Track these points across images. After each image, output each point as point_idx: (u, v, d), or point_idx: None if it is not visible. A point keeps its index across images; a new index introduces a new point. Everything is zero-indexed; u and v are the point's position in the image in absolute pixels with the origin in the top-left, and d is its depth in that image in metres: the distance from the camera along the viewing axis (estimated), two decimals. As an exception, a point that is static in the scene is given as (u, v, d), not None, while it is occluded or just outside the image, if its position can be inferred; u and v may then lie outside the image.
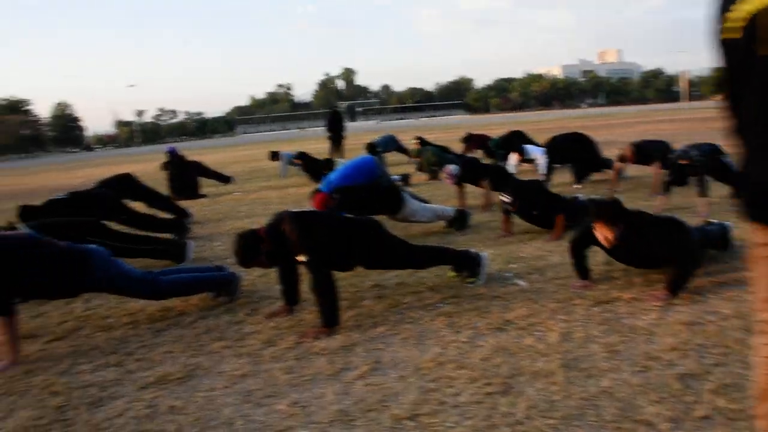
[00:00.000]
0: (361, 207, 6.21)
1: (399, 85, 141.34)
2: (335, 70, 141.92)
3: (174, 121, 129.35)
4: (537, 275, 4.80)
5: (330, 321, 3.87)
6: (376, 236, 4.38)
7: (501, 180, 7.46)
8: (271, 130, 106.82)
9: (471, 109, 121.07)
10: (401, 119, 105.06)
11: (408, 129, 40.83)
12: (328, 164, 13.03)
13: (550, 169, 9.47)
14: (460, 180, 8.00)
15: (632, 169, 9.43)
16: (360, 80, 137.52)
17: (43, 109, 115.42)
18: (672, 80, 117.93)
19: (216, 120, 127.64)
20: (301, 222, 4.01)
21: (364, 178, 7.51)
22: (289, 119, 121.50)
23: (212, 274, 4.82)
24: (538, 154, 10.55)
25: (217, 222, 8.83)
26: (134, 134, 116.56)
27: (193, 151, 35.47)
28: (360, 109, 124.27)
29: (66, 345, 4.07)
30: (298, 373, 3.31)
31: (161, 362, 3.60)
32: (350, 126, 24.92)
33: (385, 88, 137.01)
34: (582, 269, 4.44)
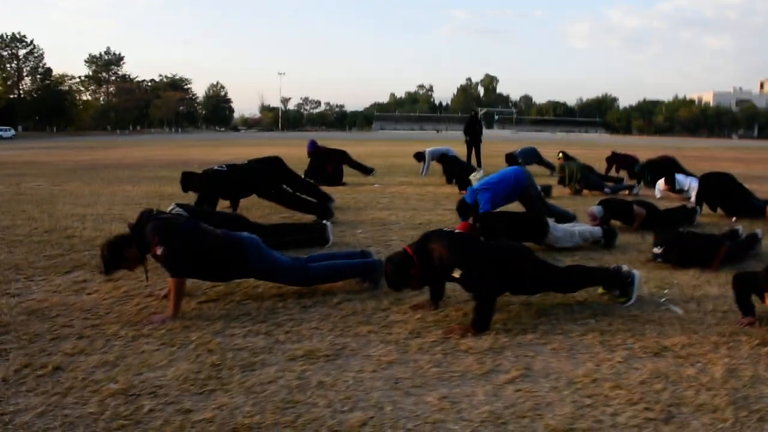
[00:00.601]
0: (504, 236, 6.03)
1: (540, 97, 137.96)
2: (477, 76, 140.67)
3: (316, 111, 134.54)
4: (693, 304, 4.45)
5: (481, 326, 3.76)
6: (526, 262, 4.21)
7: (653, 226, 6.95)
8: (409, 129, 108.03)
9: (611, 128, 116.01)
10: (539, 131, 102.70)
11: (545, 142, 39.71)
12: (468, 169, 12.93)
13: (701, 203, 8.66)
14: (604, 222, 7.42)
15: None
16: (501, 88, 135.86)
17: (199, 88, 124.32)
18: None
19: (355, 114, 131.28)
20: (451, 240, 3.96)
21: (512, 189, 7.30)
22: (426, 120, 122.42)
23: (358, 261, 4.85)
24: (691, 184, 9.85)
25: (358, 210, 8.97)
26: (278, 120, 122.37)
27: (333, 141, 36.58)
28: (497, 117, 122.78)
29: (218, 308, 4.24)
30: (447, 368, 3.23)
31: (309, 337, 3.65)
32: (486, 133, 24.60)
33: (525, 98, 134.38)
34: (746, 305, 4.06)
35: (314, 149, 13.46)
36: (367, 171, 14.25)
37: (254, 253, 4.35)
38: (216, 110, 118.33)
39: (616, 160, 14.55)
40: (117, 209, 9.09)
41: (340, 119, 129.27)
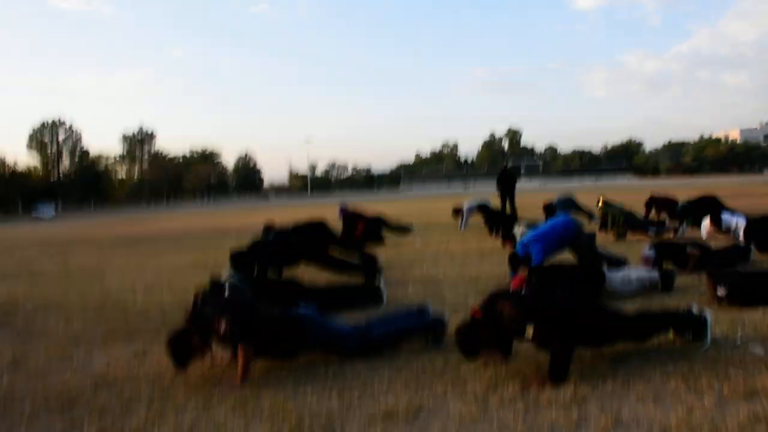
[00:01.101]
0: (561, 289, 5.91)
1: (565, 146, 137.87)
2: (500, 130, 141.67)
3: (344, 175, 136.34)
4: None
5: (559, 376, 3.61)
6: (595, 312, 4.07)
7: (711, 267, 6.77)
8: (435, 187, 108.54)
9: (639, 172, 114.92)
10: (566, 182, 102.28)
11: (577, 190, 39.39)
12: (510, 219, 12.86)
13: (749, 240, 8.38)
14: (656, 264, 7.26)
15: None
16: (525, 140, 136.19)
17: (229, 157, 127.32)
18: None
19: (382, 175, 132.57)
20: (519, 299, 3.90)
21: (562, 239, 7.18)
22: (453, 177, 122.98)
23: (418, 322, 4.74)
24: (738, 222, 9.57)
25: (404, 268, 8.87)
26: (306, 186, 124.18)
27: (363, 203, 36.78)
28: (523, 170, 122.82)
29: (285, 370, 4.15)
30: (532, 422, 3.09)
31: (383, 398, 3.53)
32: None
33: (551, 149, 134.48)
34: None
35: (344, 213, 13.53)
36: (405, 230, 14.20)
37: (313, 327, 4.30)
38: (246, 179, 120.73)
39: (655, 202, 14.27)
40: (164, 278, 9.15)
41: (367, 181, 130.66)
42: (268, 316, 4.27)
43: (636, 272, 6.48)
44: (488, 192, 19.09)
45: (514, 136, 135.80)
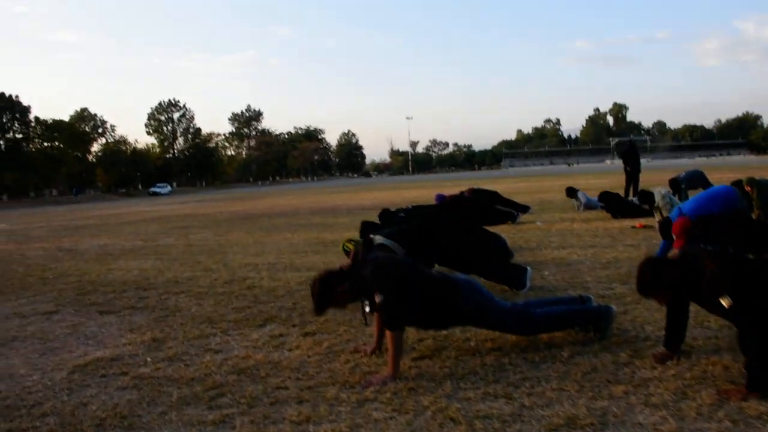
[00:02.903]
0: (726, 242, 5.23)
1: (674, 122, 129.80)
2: (605, 105, 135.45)
3: (444, 152, 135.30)
4: None
5: (761, 386, 3.01)
6: None
7: None
8: (539, 165, 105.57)
9: (756, 148, 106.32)
10: (676, 158, 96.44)
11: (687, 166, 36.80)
12: (628, 205, 12.04)
13: None
14: None
15: None
16: (631, 116, 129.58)
17: (331, 137, 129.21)
18: None
19: (483, 153, 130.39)
20: (726, 259, 3.27)
21: (721, 207, 6.44)
22: (556, 154, 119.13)
23: (586, 307, 4.26)
24: None
25: (532, 250, 8.34)
26: (408, 163, 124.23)
27: (466, 181, 36.20)
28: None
29: (438, 365, 3.79)
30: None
31: (557, 401, 3.09)
32: (619, 164, 22.97)
33: (659, 124, 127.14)
34: None
35: (441, 202, 12.91)
36: (524, 209, 13.56)
37: (472, 295, 3.89)
38: (348, 157, 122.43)
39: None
40: (286, 258, 9.09)
41: (468, 159, 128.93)
42: (428, 276, 3.90)
43: None
44: (595, 168, 18.02)
45: (619, 111, 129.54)
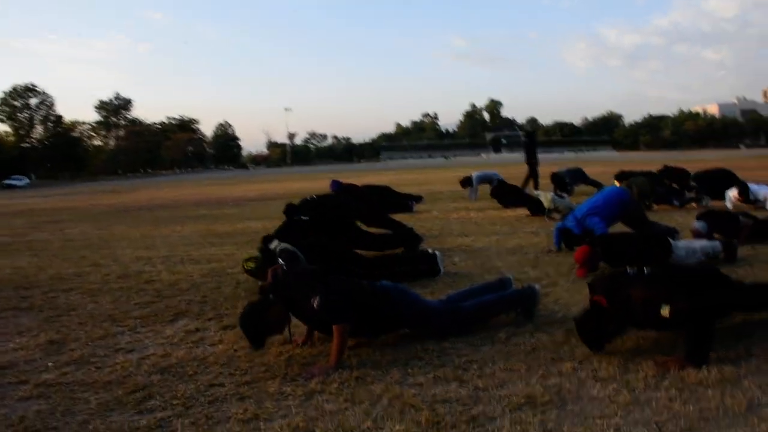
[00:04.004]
0: (628, 259, 5.48)
1: (545, 118, 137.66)
2: (481, 101, 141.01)
3: (323, 144, 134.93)
4: None
5: (701, 359, 3.17)
6: (719, 281, 3.66)
7: None
8: (417, 158, 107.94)
9: (619, 145, 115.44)
10: (547, 153, 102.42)
11: (558, 162, 39.25)
12: (522, 195, 12.48)
13: None
14: (708, 235, 6.90)
15: None
16: (506, 112, 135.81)
17: (207, 128, 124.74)
18: None
19: (363, 145, 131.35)
20: (648, 280, 3.50)
21: (618, 210, 6.78)
22: (434, 148, 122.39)
23: (510, 293, 4.30)
24: (766, 193, 9.44)
25: (436, 238, 8.42)
26: (286, 156, 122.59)
27: (346, 174, 36.32)
28: (505, 141, 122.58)
29: (376, 352, 3.67)
30: (696, 405, 2.70)
31: (510, 381, 3.08)
32: (496, 157, 23.82)
33: (531, 121, 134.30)
34: None
35: (338, 189, 12.76)
36: (417, 199, 13.72)
37: (402, 299, 3.83)
38: (225, 149, 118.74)
39: (668, 173, 13.95)
40: (181, 250, 8.59)
41: (348, 151, 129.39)
42: (360, 288, 3.79)
43: (699, 243, 6.10)
44: (471, 162, 18.56)
45: (494, 107, 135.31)
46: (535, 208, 10.24)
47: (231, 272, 6.64)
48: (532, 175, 15.34)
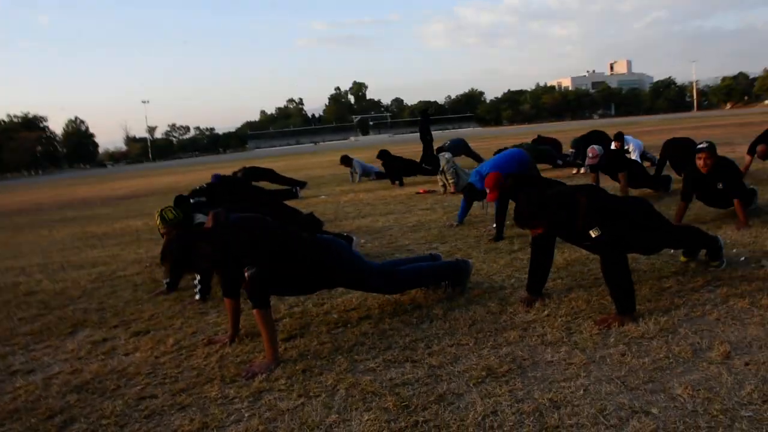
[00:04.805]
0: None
1: (411, 99, 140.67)
2: (346, 84, 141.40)
3: (186, 137, 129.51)
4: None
5: (629, 306, 3.31)
6: (652, 214, 3.85)
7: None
8: (285, 145, 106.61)
9: (482, 121, 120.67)
10: (414, 132, 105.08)
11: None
12: (410, 165, 12.66)
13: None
14: (600, 167, 7.58)
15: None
16: (371, 94, 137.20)
17: (56, 125, 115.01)
18: (683, 90, 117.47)
19: (228, 135, 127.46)
20: (596, 196, 3.54)
21: (518, 168, 7.03)
22: (302, 134, 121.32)
23: (446, 263, 4.28)
24: (632, 144, 11.21)
25: (334, 222, 8.28)
26: (146, 150, 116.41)
27: (215, 165, 35.25)
28: (372, 122, 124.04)
29: (313, 342, 3.50)
30: (651, 357, 2.80)
31: (463, 356, 3.03)
32: (365, 139, 24.04)
33: (397, 101, 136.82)
34: None
35: (219, 180, 12.28)
36: (301, 184, 13.48)
37: (342, 253, 3.66)
38: (78, 147, 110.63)
39: (543, 142, 14.70)
40: (57, 256, 7.85)
41: (213, 142, 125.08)
42: (300, 239, 3.56)
43: None
44: (341, 145, 18.61)
45: (359, 89, 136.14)
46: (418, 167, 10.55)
47: (123, 275, 6.13)
48: (428, 151, 15.62)
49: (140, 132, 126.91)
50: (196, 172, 30.18)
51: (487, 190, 5.82)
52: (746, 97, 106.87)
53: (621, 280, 3.33)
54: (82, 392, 3.16)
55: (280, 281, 3.40)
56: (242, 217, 3.69)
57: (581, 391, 2.51)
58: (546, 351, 2.99)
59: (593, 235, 3.37)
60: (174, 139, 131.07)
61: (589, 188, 3.75)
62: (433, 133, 15.71)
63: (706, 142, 5.55)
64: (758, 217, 5.58)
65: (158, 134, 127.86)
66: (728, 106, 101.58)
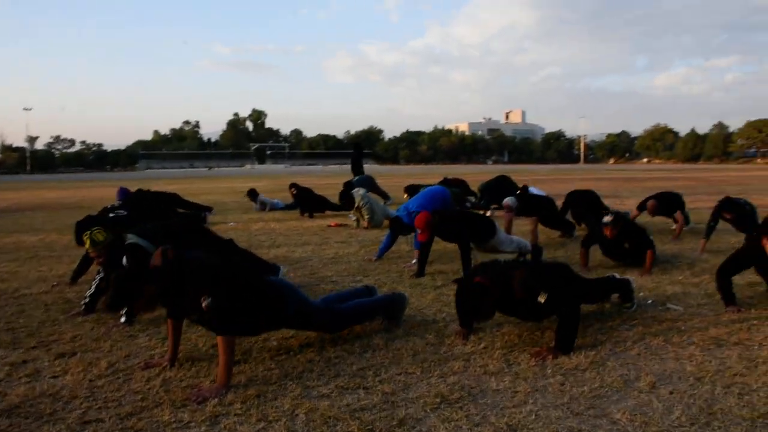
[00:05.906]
0: (456, 232, 6.07)
1: (310, 131, 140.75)
2: (245, 111, 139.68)
3: (71, 150, 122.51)
4: (675, 301, 4.83)
5: (568, 347, 3.62)
6: (577, 277, 4.25)
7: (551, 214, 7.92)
8: (178, 167, 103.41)
9: (380, 159, 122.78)
10: (311, 164, 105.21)
11: (321, 175, 40.65)
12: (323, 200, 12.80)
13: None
14: (518, 212, 8.10)
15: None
16: (270, 123, 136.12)
17: None
18: (572, 143, 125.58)
19: (117, 153, 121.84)
20: (530, 267, 4.00)
21: (441, 205, 7.36)
22: (196, 157, 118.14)
23: (384, 297, 4.41)
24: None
25: (251, 249, 8.19)
26: (24, 161, 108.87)
27: (96, 183, 33.64)
28: (269, 152, 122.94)
29: (259, 368, 3.52)
30: (590, 386, 3.09)
31: (413, 384, 3.18)
32: (261, 168, 24.07)
33: (296, 132, 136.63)
34: (729, 294, 4.54)
35: (126, 197, 11.89)
36: (208, 209, 13.22)
37: (291, 296, 3.72)
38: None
39: (448, 184, 15.30)
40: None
41: (100, 158, 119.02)
42: (256, 278, 3.59)
43: (516, 238, 6.87)
44: (236, 173, 18.57)
45: (258, 117, 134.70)
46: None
47: (28, 293, 5.79)
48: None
49: (19, 141, 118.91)
50: (85, 189, 28.68)
51: (419, 231, 6.03)
52: (627, 154, 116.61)
53: (573, 328, 3.65)
54: (13, 417, 2.99)
55: (231, 318, 3.41)
56: (200, 256, 3.67)
57: (533, 416, 2.72)
58: (491, 380, 3.20)
59: (542, 301, 3.66)
60: (57, 151, 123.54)
61: (519, 263, 4.09)
62: (331, 167, 16.15)
63: (612, 214, 6.12)
64: (656, 266, 6.15)
65: (40, 145, 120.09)
66: (612, 161, 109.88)
